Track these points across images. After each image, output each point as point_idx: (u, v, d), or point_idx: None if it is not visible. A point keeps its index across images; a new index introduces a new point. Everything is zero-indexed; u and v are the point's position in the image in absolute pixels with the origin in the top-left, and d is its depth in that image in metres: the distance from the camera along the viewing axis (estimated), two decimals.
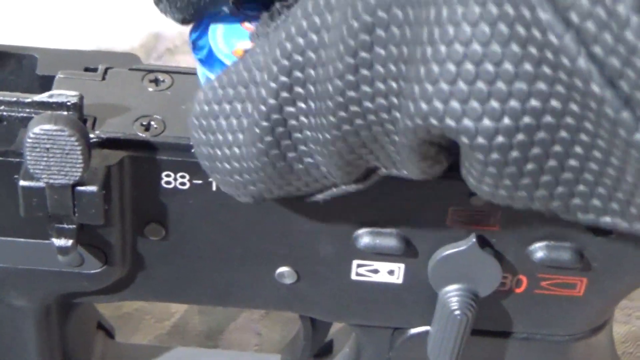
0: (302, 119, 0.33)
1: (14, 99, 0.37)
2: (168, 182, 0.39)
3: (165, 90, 0.40)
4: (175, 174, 0.39)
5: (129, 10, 0.72)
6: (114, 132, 0.38)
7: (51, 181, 0.36)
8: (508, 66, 0.27)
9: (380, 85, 0.30)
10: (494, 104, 0.28)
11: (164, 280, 0.42)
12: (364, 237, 0.40)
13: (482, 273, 0.41)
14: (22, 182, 0.37)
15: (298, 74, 0.32)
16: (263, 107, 0.33)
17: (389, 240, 0.40)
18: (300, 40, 0.32)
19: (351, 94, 0.31)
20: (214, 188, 0.39)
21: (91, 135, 0.38)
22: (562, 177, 0.29)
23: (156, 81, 0.41)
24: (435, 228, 0.40)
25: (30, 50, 0.42)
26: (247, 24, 0.38)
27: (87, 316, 0.50)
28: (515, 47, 0.27)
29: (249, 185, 0.35)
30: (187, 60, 0.70)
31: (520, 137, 0.28)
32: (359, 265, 0.41)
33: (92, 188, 0.37)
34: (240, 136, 0.34)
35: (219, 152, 0.35)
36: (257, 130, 0.33)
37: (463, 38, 0.27)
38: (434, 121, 0.29)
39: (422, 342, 0.43)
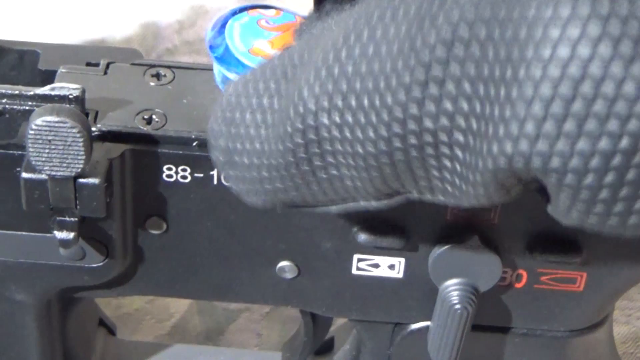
0: (336, 133, 0.31)
1: (16, 91, 0.37)
2: (169, 176, 0.39)
3: (166, 84, 0.41)
4: (176, 167, 0.39)
5: (128, 8, 0.72)
6: (115, 126, 0.39)
7: (53, 173, 0.36)
8: (599, 106, 0.27)
9: (445, 121, 0.29)
10: (584, 144, 0.27)
11: (164, 274, 0.42)
12: (365, 232, 0.40)
13: (483, 268, 0.41)
14: (24, 175, 0.37)
15: (343, 86, 0.30)
16: (301, 109, 0.31)
17: (389, 234, 0.40)
18: (357, 51, 0.30)
19: (397, 129, 0.30)
20: (214, 182, 0.39)
21: (93, 129, 0.38)
22: None
23: (157, 76, 0.41)
24: (436, 222, 0.40)
25: (32, 45, 0.42)
26: (263, 23, 0.39)
27: (88, 312, 0.50)
28: (607, 87, 0.26)
29: (265, 183, 0.34)
30: (187, 60, 0.70)
31: (610, 176, 0.27)
32: (359, 260, 0.41)
33: (94, 180, 0.37)
34: (264, 132, 0.33)
35: (238, 146, 0.34)
36: (289, 129, 0.32)
37: (549, 79, 0.27)
38: (519, 163, 0.28)
39: (423, 337, 0.43)
